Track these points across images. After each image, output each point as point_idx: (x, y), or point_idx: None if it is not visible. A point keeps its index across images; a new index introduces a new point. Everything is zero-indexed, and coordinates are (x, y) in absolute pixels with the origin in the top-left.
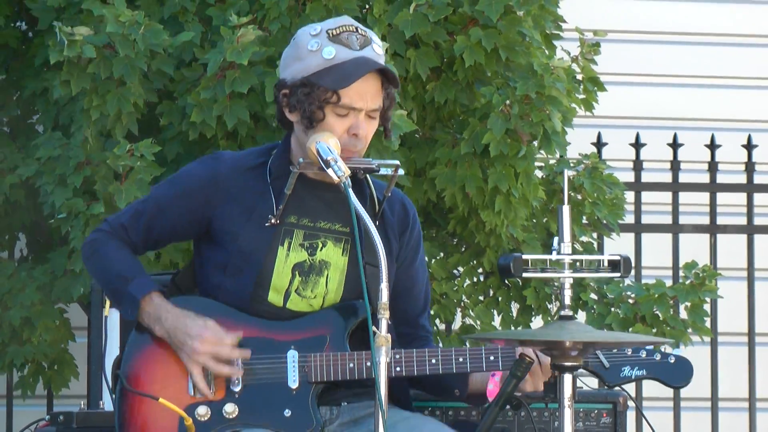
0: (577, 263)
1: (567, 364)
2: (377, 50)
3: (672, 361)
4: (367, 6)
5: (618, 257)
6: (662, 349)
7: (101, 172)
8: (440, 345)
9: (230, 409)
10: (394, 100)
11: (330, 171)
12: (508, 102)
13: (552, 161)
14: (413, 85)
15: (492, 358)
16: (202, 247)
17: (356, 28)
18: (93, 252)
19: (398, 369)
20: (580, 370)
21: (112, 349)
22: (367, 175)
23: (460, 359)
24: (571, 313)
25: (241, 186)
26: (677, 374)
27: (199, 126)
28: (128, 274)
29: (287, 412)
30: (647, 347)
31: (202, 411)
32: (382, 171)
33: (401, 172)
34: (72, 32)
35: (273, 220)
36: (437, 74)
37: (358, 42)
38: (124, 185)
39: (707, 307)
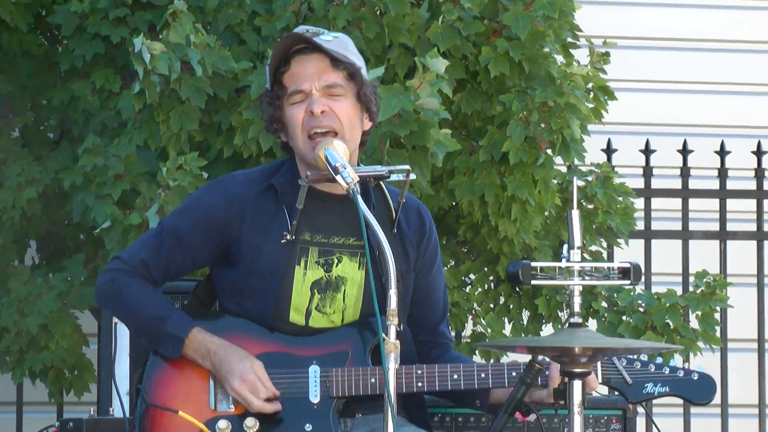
0: (587, 270)
1: (577, 370)
2: (325, 38)
3: (695, 377)
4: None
5: (628, 264)
6: (685, 366)
7: (141, 184)
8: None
9: (251, 423)
10: (365, 81)
11: (338, 177)
12: (527, 110)
13: (564, 169)
14: (450, 94)
15: (514, 374)
16: (217, 269)
17: (306, 30)
18: (115, 292)
19: (420, 384)
20: (602, 385)
21: (122, 356)
22: (382, 183)
23: (482, 375)
24: (580, 320)
25: (255, 207)
26: (700, 391)
27: (239, 147)
28: (162, 314)
29: (308, 427)
30: (671, 363)
31: (223, 425)
32: (393, 177)
33: (413, 176)
34: (150, 46)
35: (288, 237)
36: (462, 85)
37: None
38: (168, 196)
39: (717, 315)
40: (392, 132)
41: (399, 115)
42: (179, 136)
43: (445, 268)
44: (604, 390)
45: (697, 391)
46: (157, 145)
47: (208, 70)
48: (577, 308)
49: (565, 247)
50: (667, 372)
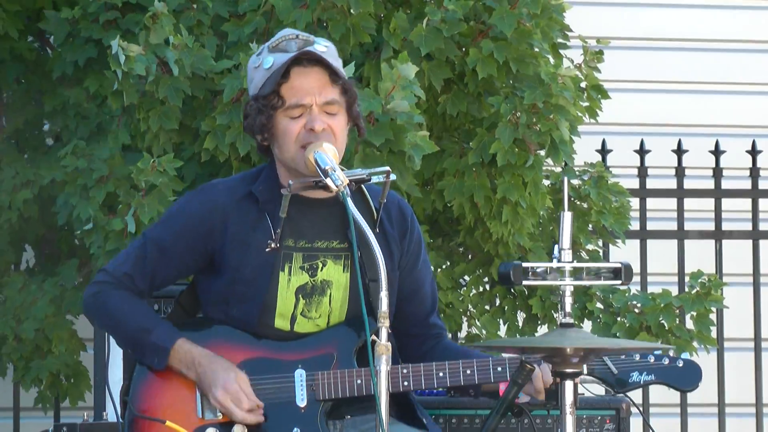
0: (578, 271)
1: (568, 370)
2: (320, 48)
3: (680, 365)
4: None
5: (619, 264)
6: (670, 354)
7: (124, 187)
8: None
9: (239, 430)
10: (355, 95)
11: (328, 180)
12: (516, 112)
13: (558, 170)
14: (425, 96)
15: (500, 369)
16: (201, 278)
17: (297, 35)
18: (101, 305)
19: (406, 383)
20: (588, 377)
21: (116, 361)
22: (362, 184)
23: (468, 371)
24: (572, 320)
25: (237, 216)
26: (686, 378)
27: (212, 151)
28: (148, 325)
29: (296, 430)
30: (655, 352)
31: None
32: (374, 179)
33: (393, 177)
34: (126, 47)
35: (273, 245)
36: (448, 86)
37: (297, 45)
38: (146, 199)
39: (713, 315)
40: (367, 139)
41: (375, 121)
42: (159, 135)
43: (440, 269)
44: (598, 389)
45: (683, 378)
46: (141, 145)
47: (186, 70)
48: (568, 308)
49: (556, 247)
50: (652, 361)
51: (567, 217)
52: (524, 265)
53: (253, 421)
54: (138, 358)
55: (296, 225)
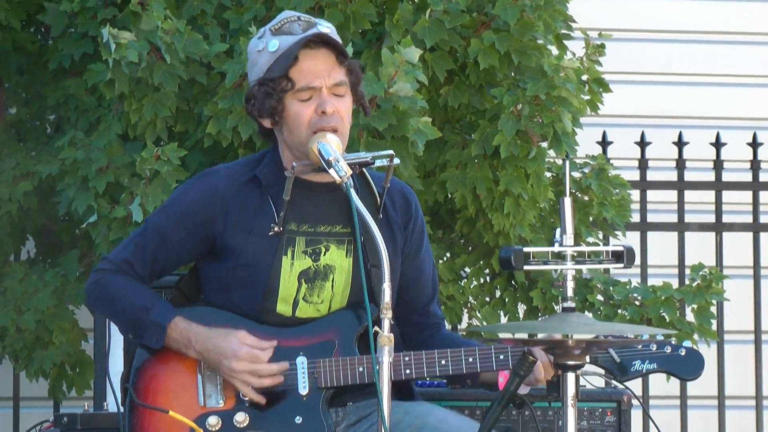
0: (580, 255)
1: (570, 363)
2: (323, 29)
3: (683, 353)
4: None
5: (621, 247)
6: (672, 342)
7: (125, 176)
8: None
9: (241, 418)
10: (360, 76)
11: (332, 171)
12: (518, 104)
13: (559, 161)
14: (427, 88)
15: (502, 357)
16: (202, 264)
17: (298, 17)
18: (101, 291)
19: (408, 371)
20: (591, 366)
21: (116, 351)
22: (364, 169)
23: (470, 359)
24: (573, 305)
25: (239, 201)
26: (688, 366)
27: (214, 136)
28: (146, 304)
29: (298, 419)
30: (658, 336)
31: (213, 421)
32: (378, 163)
33: (397, 161)
34: (117, 35)
35: (276, 228)
36: (450, 78)
37: (301, 27)
38: (149, 188)
39: (713, 308)
40: (370, 125)
41: (378, 107)
42: (154, 123)
43: (441, 261)
44: (599, 381)
45: (685, 367)
46: (135, 133)
47: (180, 55)
48: (569, 293)
49: (558, 231)
50: (654, 348)
51: (567, 203)
52: (525, 249)
53: (277, 370)
54: (137, 340)
55: (299, 209)
